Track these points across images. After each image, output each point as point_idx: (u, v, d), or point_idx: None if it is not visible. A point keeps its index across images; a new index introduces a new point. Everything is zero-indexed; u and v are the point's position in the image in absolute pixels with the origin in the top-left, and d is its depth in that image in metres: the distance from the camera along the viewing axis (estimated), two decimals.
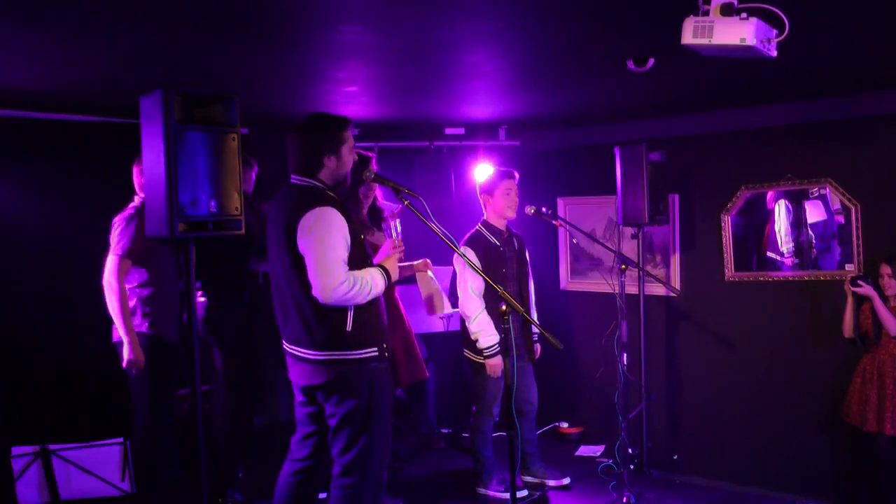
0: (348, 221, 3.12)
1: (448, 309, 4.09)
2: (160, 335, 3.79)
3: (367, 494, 3.15)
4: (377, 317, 3.23)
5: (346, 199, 4.01)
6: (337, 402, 3.13)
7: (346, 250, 3.07)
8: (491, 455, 4.58)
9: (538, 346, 4.63)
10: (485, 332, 4.27)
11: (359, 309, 3.11)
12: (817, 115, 4.61)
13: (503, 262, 4.43)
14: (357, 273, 3.08)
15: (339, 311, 3.08)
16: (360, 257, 3.18)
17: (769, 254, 4.86)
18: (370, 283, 3.10)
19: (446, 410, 5.90)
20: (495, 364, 4.29)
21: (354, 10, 2.61)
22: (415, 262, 4.07)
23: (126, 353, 3.66)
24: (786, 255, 4.80)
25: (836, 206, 4.57)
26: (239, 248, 4.09)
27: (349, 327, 3.08)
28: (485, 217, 4.54)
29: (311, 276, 3.02)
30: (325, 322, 3.08)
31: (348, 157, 3.23)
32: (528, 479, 4.74)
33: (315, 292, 3.02)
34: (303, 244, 3.03)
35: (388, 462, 3.33)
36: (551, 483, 4.73)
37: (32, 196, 4.52)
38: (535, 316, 4.71)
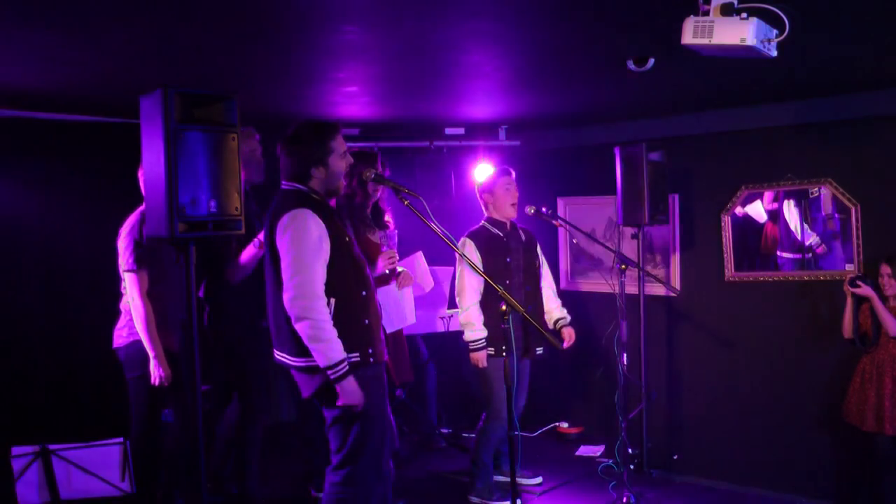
0: (330, 225, 3.06)
1: (400, 324, 4.02)
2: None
3: (354, 496, 3.11)
4: (361, 319, 3.12)
5: (352, 195, 4.02)
6: (325, 406, 3.13)
7: (322, 255, 3.00)
8: (491, 464, 4.53)
9: (568, 331, 4.51)
10: (471, 326, 4.29)
11: (338, 309, 3.03)
12: (817, 115, 4.61)
13: (508, 252, 4.40)
14: (326, 317, 2.96)
15: (340, 309, 3.03)
16: (345, 261, 3.10)
17: (769, 254, 4.85)
18: (329, 342, 2.95)
19: (446, 410, 5.90)
20: (479, 357, 4.30)
21: (354, 10, 2.61)
22: (399, 270, 4.08)
23: (153, 370, 3.66)
24: (786, 255, 4.80)
25: (836, 206, 4.57)
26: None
27: None
28: (487, 215, 4.53)
29: (284, 279, 2.99)
30: None
31: (338, 164, 3.16)
32: (500, 478, 4.68)
33: (283, 295, 2.98)
34: (279, 246, 3.02)
35: (385, 471, 3.24)
36: (523, 482, 4.74)
37: (32, 196, 4.52)
38: (556, 310, 4.63)
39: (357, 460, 3.10)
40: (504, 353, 4.31)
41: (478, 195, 4.57)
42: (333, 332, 2.98)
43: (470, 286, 4.32)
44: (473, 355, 4.30)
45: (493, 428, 4.41)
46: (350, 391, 2.98)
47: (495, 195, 4.46)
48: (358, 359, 3.07)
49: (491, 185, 4.49)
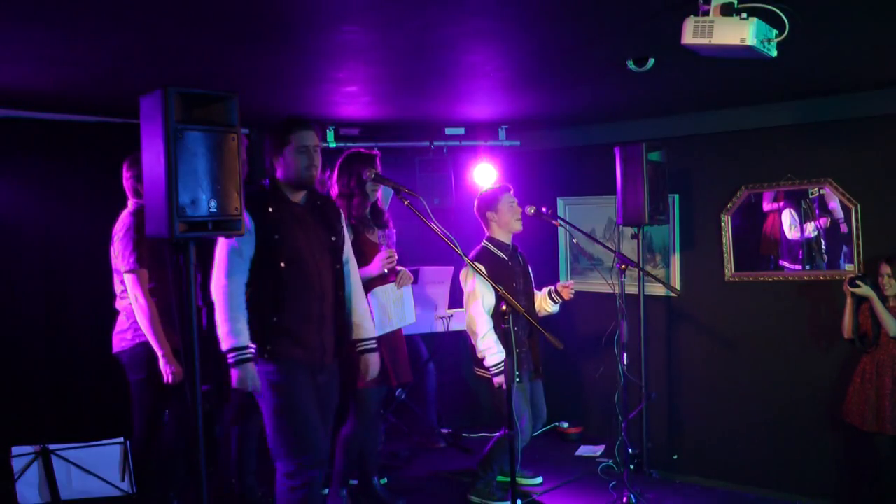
0: (264, 224, 3.16)
1: (394, 325, 4.07)
2: None
3: (304, 490, 3.16)
4: (268, 317, 3.18)
5: (351, 195, 4.01)
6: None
7: (230, 246, 3.13)
8: (498, 471, 4.49)
9: (562, 285, 4.49)
10: (491, 350, 4.15)
11: (249, 302, 3.16)
12: (817, 115, 4.61)
13: (513, 277, 4.32)
14: (236, 302, 3.13)
15: (249, 303, 3.18)
16: (264, 260, 3.18)
17: (769, 254, 4.86)
18: (222, 328, 3.11)
19: (446, 410, 5.90)
20: (503, 381, 4.16)
21: (354, 10, 2.62)
22: (400, 269, 4.07)
23: (163, 367, 3.65)
24: (786, 256, 4.80)
25: (836, 206, 4.57)
26: None
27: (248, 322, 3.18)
28: (489, 234, 4.42)
29: None
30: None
31: (292, 158, 3.24)
32: (500, 478, 4.64)
33: None
34: None
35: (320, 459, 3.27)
36: (524, 481, 4.73)
37: (32, 196, 4.52)
38: (543, 291, 4.56)
39: (283, 451, 3.18)
40: (519, 378, 4.25)
41: (479, 214, 4.46)
42: (233, 322, 3.10)
43: (482, 312, 4.21)
44: (497, 379, 4.18)
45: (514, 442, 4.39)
46: (238, 378, 3.12)
47: (500, 212, 4.36)
48: (251, 353, 3.14)
49: (492, 201, 4.38)
